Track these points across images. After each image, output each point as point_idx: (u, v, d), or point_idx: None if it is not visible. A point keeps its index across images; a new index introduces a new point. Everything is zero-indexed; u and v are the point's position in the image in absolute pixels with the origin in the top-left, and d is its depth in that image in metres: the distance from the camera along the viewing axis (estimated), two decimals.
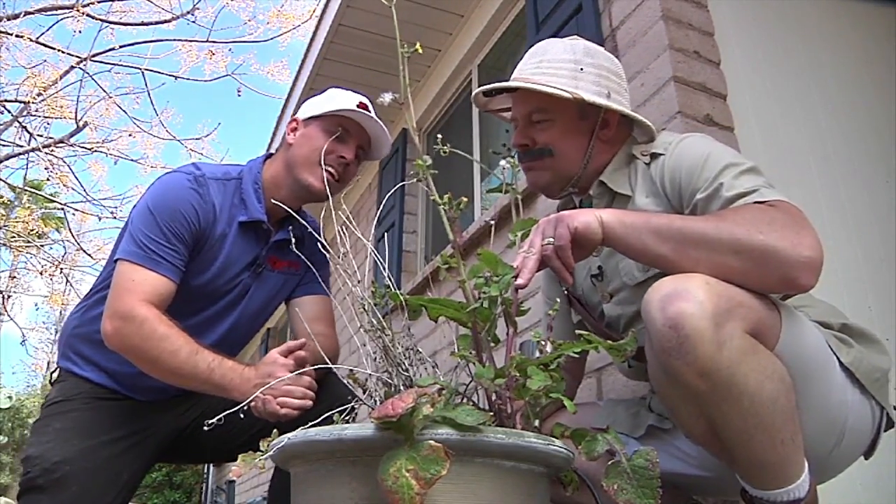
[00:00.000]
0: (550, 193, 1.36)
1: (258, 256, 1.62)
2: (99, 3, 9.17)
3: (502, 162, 1.10)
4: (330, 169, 1.58)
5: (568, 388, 1.48)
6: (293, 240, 1.34)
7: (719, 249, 0.97)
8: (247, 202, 1.57)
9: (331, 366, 1.20)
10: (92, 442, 1.48)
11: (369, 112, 1.63)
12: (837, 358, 1.06)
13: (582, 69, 1.26)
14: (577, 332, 0.96)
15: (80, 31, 9.30)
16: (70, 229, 10.70)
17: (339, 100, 1.64)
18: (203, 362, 1.37)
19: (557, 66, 1.27)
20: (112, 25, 9.38)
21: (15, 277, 12.59)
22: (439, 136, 1.04)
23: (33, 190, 10.49)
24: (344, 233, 1.16)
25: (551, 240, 1.02)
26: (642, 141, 1.31)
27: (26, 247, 10.45)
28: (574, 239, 1.03)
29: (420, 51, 1.04)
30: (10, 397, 19.21)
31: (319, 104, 1.66)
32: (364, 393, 1.00)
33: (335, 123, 1.61)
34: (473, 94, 1.42)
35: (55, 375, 1.63)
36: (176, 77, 9.94)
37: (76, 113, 9.03)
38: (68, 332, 1.63)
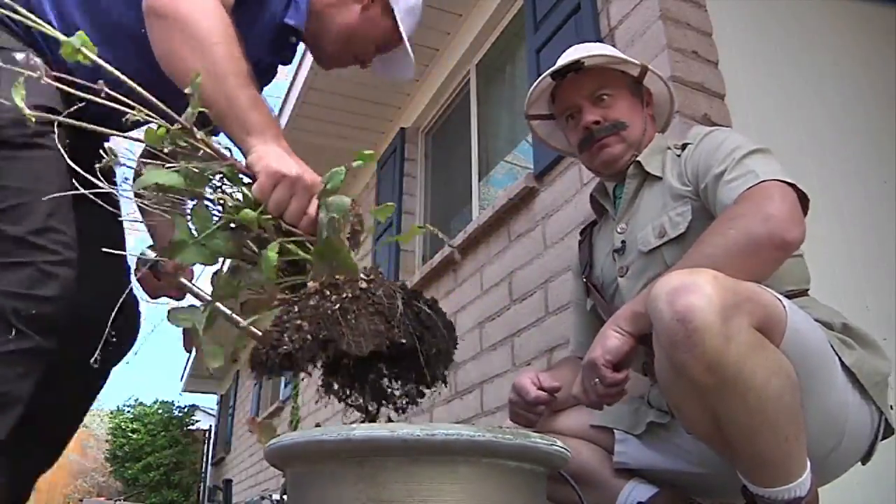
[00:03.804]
0: (619, 167, 1.43)
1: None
2: None
3: None
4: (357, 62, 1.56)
5: None
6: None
7: (719, 266, 0.99)
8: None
9: None
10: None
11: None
12: (840, 359, 1.07)
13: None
14: None
15: None
16: None
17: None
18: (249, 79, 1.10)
19: (599, 55, 1.42)
20: None
21: None
22: None
23: None
24: None
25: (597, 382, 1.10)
26: (660, 123, 1.53)
27: None
28: (619, 362, 1.09)
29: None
30: None
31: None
32: None
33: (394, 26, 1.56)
34: (537, 82, 1.48)
35: None
36: None
37: None
38: None
